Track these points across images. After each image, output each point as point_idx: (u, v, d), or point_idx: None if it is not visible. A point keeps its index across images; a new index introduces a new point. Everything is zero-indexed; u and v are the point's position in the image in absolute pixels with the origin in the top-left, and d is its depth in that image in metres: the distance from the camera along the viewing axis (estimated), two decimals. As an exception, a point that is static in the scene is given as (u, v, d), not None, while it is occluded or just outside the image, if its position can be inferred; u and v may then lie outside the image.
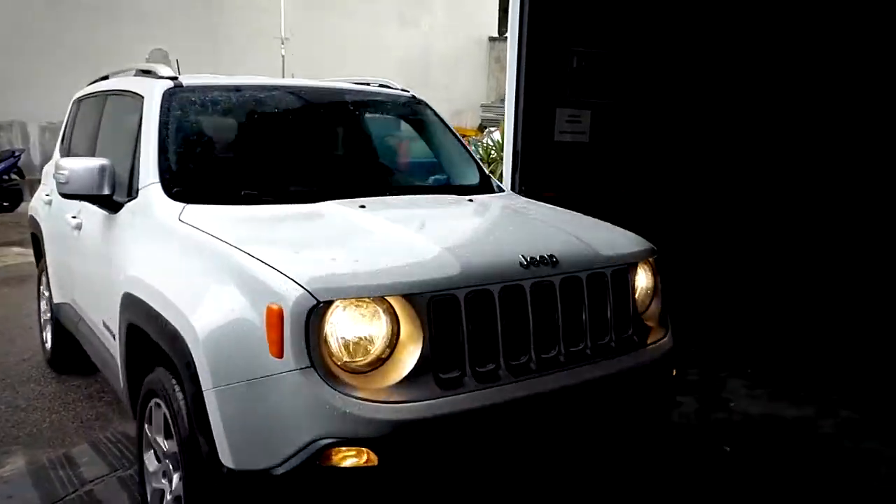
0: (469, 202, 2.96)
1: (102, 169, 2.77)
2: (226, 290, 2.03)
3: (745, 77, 5.76)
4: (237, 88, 3.18)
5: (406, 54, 17.51)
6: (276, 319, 1.89)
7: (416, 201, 2.90)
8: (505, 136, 5.12)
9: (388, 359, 2.01)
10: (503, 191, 3.45)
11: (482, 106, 18.54)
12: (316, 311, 1.89)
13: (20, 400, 3.98)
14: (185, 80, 3.07)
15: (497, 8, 19.74)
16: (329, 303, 1.92)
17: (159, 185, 2.68)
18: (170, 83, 3.00)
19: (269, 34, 14.48)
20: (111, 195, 2.81)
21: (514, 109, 4.97)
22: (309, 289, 1.90)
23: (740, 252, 5.65)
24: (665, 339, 2.56)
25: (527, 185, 4.80)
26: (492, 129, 15.48)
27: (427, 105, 3.79)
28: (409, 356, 2.00)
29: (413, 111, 3.74)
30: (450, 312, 2.03)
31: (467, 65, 19.57)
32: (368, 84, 3.82)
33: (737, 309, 5.31)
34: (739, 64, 5.73)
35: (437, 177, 3.70)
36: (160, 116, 2.87)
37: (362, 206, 2.61)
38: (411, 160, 3.85)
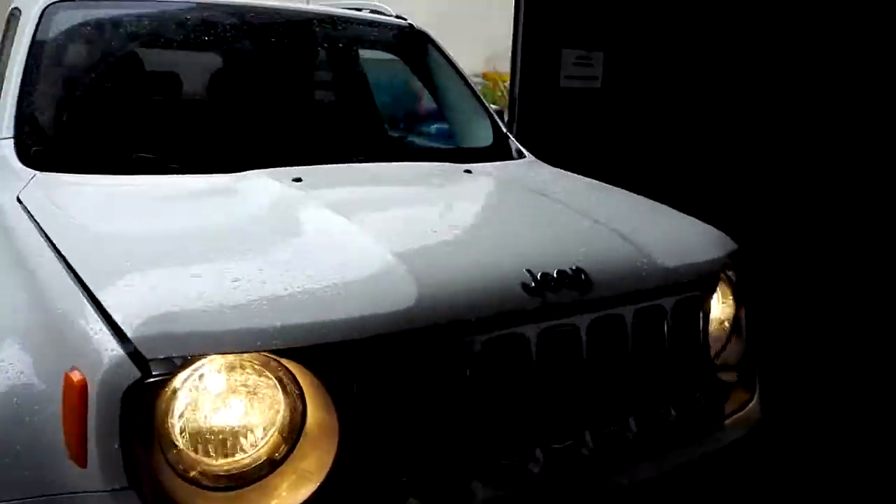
0: (466, 174, 2.04)
1: None
2: (8, 336, 1.20)
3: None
4: (156, 3, 2.30)
5: (429, -9, 16.26)
6: (76, 399, 1.06)
7: (386, 173, 1.98)
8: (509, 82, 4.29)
9: (284, 463, 1.17)
10: (524, 156, 2.53)
11: (517, 50, 17.29)
12: (144, 386, 1.06)
13: None
14: None
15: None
16: (170, 371, 1.08)
17: (12, 141, 1.84)
18: None
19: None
20: None
21: (513, 50, 4.24)
22: (134, 343, 1.06)
23: (788, 227, 4.54)
24: (752, 406, 1.65)
25: (526, 139, 4.03)
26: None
27: (430, 38, 2.86)
28: (316, 459, 1.16)
29: (410, 46, 2.82)
30: (393, 380, 1.18)
31: (504, 4, 18.23)
32: (360, 10, 2.92)
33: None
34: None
35: (438, 128, 2.82)
36: (32, 42, 2.02)
37: (297, 180, 1.74)
38: (402, 112, 2.94)
